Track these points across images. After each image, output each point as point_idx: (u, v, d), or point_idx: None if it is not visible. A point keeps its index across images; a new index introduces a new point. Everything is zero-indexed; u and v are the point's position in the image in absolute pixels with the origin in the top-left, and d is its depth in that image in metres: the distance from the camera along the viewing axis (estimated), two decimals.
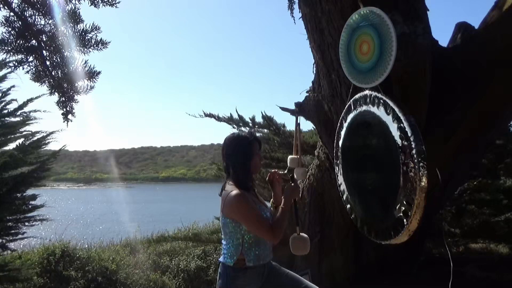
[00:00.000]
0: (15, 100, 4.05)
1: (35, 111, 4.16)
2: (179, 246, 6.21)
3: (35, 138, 4.24)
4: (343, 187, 2.55)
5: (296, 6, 4.05)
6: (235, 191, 1.96)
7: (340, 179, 2.57)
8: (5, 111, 4.01)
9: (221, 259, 2.08)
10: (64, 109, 3.56)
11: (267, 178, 2.27)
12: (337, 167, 2.61)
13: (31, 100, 4.12)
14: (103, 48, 3.31)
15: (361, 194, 2.36)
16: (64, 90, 3.46)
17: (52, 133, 4.31)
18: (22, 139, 4.14)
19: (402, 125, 1.90)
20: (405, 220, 1.91)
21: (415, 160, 1.81)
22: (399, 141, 1.92)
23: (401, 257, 4.13)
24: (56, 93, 3.50)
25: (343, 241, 4.08)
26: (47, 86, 3.44)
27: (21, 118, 4.12)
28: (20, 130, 4.18)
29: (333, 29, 2.82)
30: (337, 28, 2.72)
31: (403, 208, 1.92)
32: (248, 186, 2.06)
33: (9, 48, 3.14)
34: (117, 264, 5.14)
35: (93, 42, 3.24)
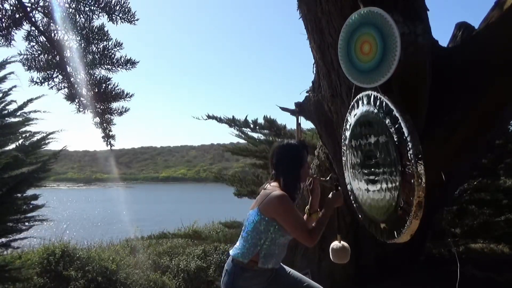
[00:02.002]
0: (15, 101, 4.06)
1: (35, 111, 4.18)
2: (180, 245, 6.21)
3: (34, 139, 4.26)
4: (350, 186, 2.55)
5: None
6: (280, 191, 1.96)
7: (348, 178, 2.57)
8: (5, 112, 4.03)
9: (232, 253, 2.04)
10: (104, 133, 3.43)
11: (307, 183, 2.24)
12: (343, 165, 2.61)
13: (31, 100, 4.13)
14: (132, 67, 3.17)
15: (366, 193, 2.36)
16: (98, 111, 3.33)
17: (52, 133, 4.33)
18: (22, 140, 4.16)
19: (399, 125, 1.90)
20: (406, 219, 1.90)
21: (412, 160, 1.81)
22: (396, 141, 1.92)
23: (401, 257, 4.12)
24: (87, 112, 3.33)
25: (343, 241, 4.07)
26: (75, 105, 3.28)
27: (21, 118, 4.14)
28: (20, 130, 4.19)
29: (333, 29, 2.81)
30: (337, 28, 2.71)
31: (404, 208, 1.92)
32: (295, 195, 2.05)
33: (34, 65, 3.02)
34: (117, 264, 5.14)
35: (122, 61, 3.12)
